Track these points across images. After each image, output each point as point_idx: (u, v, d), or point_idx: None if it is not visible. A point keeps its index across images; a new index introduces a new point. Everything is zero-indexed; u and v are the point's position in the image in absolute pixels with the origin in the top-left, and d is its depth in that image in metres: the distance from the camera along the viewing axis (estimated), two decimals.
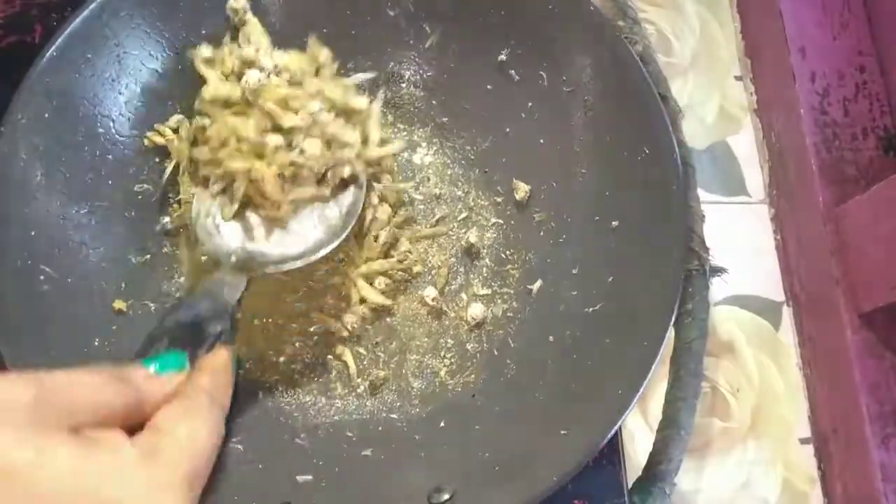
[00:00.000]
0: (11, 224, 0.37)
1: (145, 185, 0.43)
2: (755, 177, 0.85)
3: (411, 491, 0.36)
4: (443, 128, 0.49)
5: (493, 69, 0.46)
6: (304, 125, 0.37)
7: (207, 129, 0.39)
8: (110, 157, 0.41)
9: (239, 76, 0.39)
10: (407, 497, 0.37)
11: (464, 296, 0.46)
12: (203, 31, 0.42)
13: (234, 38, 0.41)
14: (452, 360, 0.44)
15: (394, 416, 0.43)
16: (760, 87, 0.86)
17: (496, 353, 0.44)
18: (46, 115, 0.38)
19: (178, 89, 0.43)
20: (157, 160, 0.44)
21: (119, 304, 0.40)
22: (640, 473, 0.43)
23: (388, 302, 0.45)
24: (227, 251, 0.38)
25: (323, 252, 0.39)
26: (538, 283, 0.45)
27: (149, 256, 0.43)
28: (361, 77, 0.42)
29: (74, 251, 0.39)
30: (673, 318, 0.37)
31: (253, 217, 0.39)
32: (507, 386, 0.42)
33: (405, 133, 0.49)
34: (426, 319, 0.46)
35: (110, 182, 0.41)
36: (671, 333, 0.38)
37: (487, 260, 0.47)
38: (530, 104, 0.46)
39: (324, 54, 0.40)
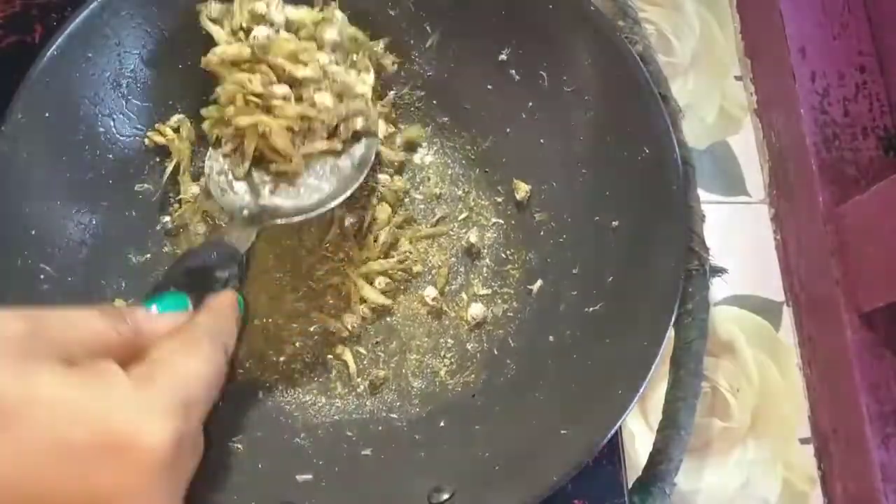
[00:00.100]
0: (11, 223, 0.37)
1: (146, 185, 0.43)
2: (755, 177, 0.85)
3: (411, 490, 0.36)
4: (443, 128, 0.49)
5: (493, 69, 0.46)
6: (315, 76, 0.37)
7: (216, 90, 0.38)
8: (111, 156, 0.41)
9: (247, 33, 0.39)
10: (407, 497, 0.37)
11: (464, 296, 0.46)
12: (203, 31, 0.42)
13: None
14: (452, 360, 0.44)
15: (394, 415, 0.43)
16: (760, 87, 0.86)
17: (496, 353, 0.44)
18: (47, 115, 0.38)
19: (179, 89, 0.43)
20: (158, 160, 0.44)
21: (119, 304, 0.40)
22: (640, 473, 0.43)
23: (388, 302, 0.45)
24: (239, 206, 0.38)
25: (335, 203, 0.39)
26: (538, 283, 0.45)
27: (149, 256, 0.43)
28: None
29: (74, 251, 0.39)
30: (673, 318, 0.37)
31: (265, 173, 0.39)
32: (507, 386, 0.42)
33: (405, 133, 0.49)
34: (426, 319, 0.46)
35: (110, 182, 0.41)
36: (671, 333, 0.38)
37: (488, 260, 0.47)
38: (530, 104, 0.46)
39: (337, 15, 0.40)
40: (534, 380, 0.41)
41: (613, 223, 0.42)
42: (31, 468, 0.22)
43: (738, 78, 0.88)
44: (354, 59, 0.41)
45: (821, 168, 0.76)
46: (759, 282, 0.81)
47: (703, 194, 0.47)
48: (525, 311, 0.45)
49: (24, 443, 0.22)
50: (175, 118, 0.43)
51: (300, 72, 0.37)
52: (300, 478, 0.38)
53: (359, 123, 0.40)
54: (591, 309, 0.41)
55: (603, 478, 0.42)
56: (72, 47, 0.39)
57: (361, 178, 0.40)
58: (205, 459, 0.37)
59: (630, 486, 0.42)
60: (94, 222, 0.40)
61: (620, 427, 0.37)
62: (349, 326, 0.44)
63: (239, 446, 0.39)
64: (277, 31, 0.38)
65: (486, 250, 0.47)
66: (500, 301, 0.46)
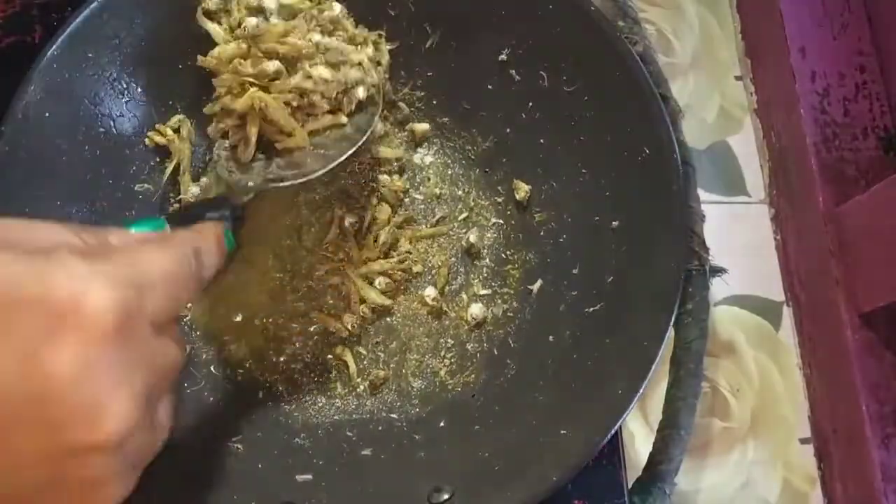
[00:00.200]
0: None
1: (146, 185, 0.43)
2: (755, 177, 0.85)
3: (411, 490, 0.36)
4: (443, 128, 0.49)
5: (493, 69, 0.46)
6: (306, 49, 0.37)
7: (216, 85, 0.38)
8: (111, 156, 0.41)
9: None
10: (407, 497, 0.37)
11: (464, 296, 0.46)
12: (203, 31, 0.42)
13: None
14: (452, 360, 0.44)
15: (394, 415, 0.43)
16: (760, 87, 0.86)
17: (496, 353, 0.44)
18: (47, 115, 0.38)
19: (179, 89, 0.43)
20: (158, 160, 0.44)
21: None
22: (640, 473, 0.42)
23: (388, 302, 0.45)
24: (245, 184, 0.38)
25: (335, 164, 0.39)
26: (538, 283, 0.44)
27: None
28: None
29: None
30: (673, 318, 0.37)
31: (272, 153, 0.38)
32: (507, 386, 0.42)
33: (406, 133, 0.49)
34: (426, 319, 0.46)
35: (111, 182, 0.41)
36: (671, 333, 0.38)
37: (488, 260, 0.47)
38: (530, 104, 0.46)
39: (335, 7, 0.40)
40: (534, 380, 0.41)
41: (613, 223, 0.42)
42: None
43: (738, 78, 0.88)
44: (353, 34, 0.41)
45: (821, 168, 0.76)
46: (759, 282, 0.81)
47: (703, 194, 0.47)
48: (525, 311, 0.45)
49: None
50: (175, 118, 0.43)
51: (291, 47, 0.37)
52: (300, 478, 0.38)
53: (360, 93, 0.39)
54: (591, 309, 0.41)
55: (603, 478, 0.42)
56: (72, 47, 0.39)
57: (362, 141, 0.39)
58: (205, 459, 0.37)
59: (630, 486, 0.42)
60: (94, 222, 0.40)
61: (620, 427, 0.37)
62: (349, 326, 0.44)
63: (239, 446, 0.39)
64: (268, 19, 0.38)
65: (486, 250, 0.47)
66: (500, 301, 0.46)
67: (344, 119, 0.39)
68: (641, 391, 0.35)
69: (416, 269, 0.46)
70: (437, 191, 0.48)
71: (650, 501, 0.41)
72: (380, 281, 0.45)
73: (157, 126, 0.43)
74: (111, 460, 0.22)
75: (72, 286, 0.22)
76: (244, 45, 0.38)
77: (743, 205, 0.84)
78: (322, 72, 0.38)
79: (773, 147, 0.83)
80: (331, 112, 0.39)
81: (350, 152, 0.39)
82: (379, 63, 0.41)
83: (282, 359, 0.44)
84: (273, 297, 0.45)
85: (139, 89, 0.42)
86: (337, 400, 0.43)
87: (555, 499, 0.34)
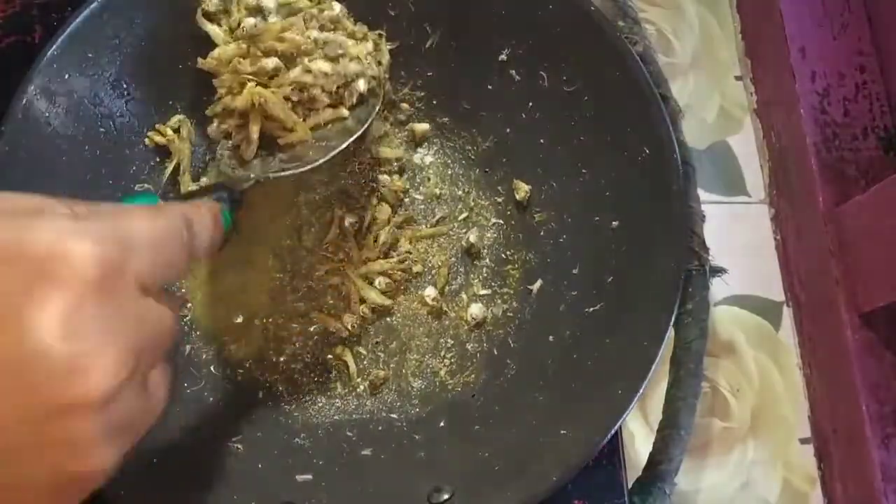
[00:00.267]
0: None
1: (146, 185, 0.43)
2: (755, 177, 0.85)
3: (411, 490, 0.36)
4: (443, 128, 0.49)
5: (493, 69, 0.46)
6: (304, 45, 0.37)
7: (216, 85, 0.38)
8: (111, 156, 0.41)
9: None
10: (407, 497, 0.37)
11: (464, 296, 0.46)
12: (203, 32, 0.42)
13: None
14: (452, 360, 0.44)
15: (394, 415, 0.43)
16: (760, 87, 0.86)
17: (496, 353, 0.44)
18: (47, 115, 0.38)
19: (179, 89, 0.43)
20: (158, 160, 0.44)
21: None
22: (640, 473, 0.42)
23: (388, 302, 0.45)
24: (247, 178, 0.37)
25: (335, 152, 0.38)
26: (538, 283, 0.45)
27: None
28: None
29: None
30: (673, 318, 0.37)
31: (275, 149, 0.38)
32: (507, 386, 0.42)
33: (406, 133, 0.49)
34: (426, 319, 0.46)
35: (111, 182, 0.41)
36: (671, 333, 0.38)
37: (487, 260, 0.47)
38: (530, 104, 0.46)
39: (335, 6, 0.40)
40: (534, 380, 0.41)
41: (613, 223, 0.42)
42: None
43: (738, 78, 0.88)
44: (354, 30, 0.41)
45: (821, 168, 0.76)
46: (759, 282, 0.81)
47: (703, 194, 0.47)
48: (525, 311, 0.45)
49: None
50: (175, 118, 0.43)
51: (287, 39, 0.37)
52: (300, 478, 0.38)
53: (361, 86, 0.39)
54: (591, 309, 0.41)
55: (603, 478, 0.42)
56: (72, 47, 0.39)
57: (362, 130, 0.39)
58: (205, 459, 0.37)
59: (630, 486, 0.42)
60: None
61: (620, 427, 0.37)
62: (349, 326, 0.44)
63: (239, 446, 0.39)
64: (266, 19, 0.38)
65: (486, 250, 0.47)
66: (500, 301, 0.46)
67: (345, 112, 0.39)
68: (641, 391, 0.35)
69: (416, 269, 0.46)
70: (437, 191, 0.48)
71: (650, 501, 0.41)
72: (380, 281, 0.45)
73: (157, 126, 0.43)
74: (96, 420, 0.21)
75: (53, 240, 0.21)
76: (244, 46, 0.38)
77: (743, 205, 0.84)
78: (321, 65, 0.38)
79: (773, 147, 0.83)
80: (332, 106, 0.39)
81: (350, 140, 0.39)
82: (380, 62, 0.41)
83: (282, 359, 0.44)
84: (273, 297, 0.45)
85: (139, 89, 0.42)
86: (337, 400, 0.43)
87: (555, 499, 0.34)
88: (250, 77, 0.37)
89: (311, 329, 0.44)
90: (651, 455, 0.42)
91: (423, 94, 0.48)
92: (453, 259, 0.47)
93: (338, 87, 0.39)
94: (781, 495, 0.73)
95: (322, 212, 0.46)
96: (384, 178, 0.46)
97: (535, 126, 0.46)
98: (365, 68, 0.39)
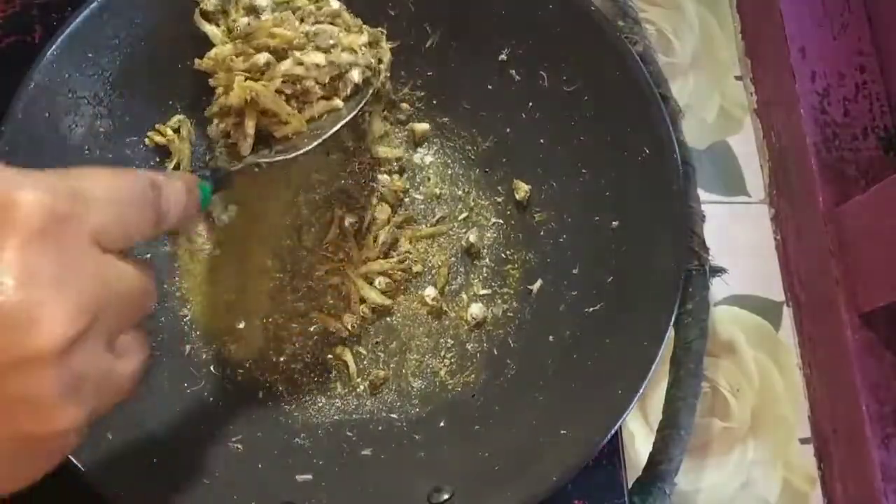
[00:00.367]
0: None
1: None
2: (755, 177, 0.85)
3: (411, 490, 0.36)
4: (443, 128, 0.49)
5: (493, 69, 0.46)
6: (297, 40, 0.37)
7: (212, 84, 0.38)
8: (111, 156, 0.41)
9: None
10: (407, 497, 0.37)
11: (464, 296, 0.46)
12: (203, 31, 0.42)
13: None
14: (452, 360, 0.44)
15: (394, 416, 0.43)
16: (760, 87, 0.86)
17: (496, 353, 0.44)
18: (47, 115, 0.38)
19: (179, 89, 0.43)
20: (158, 160, 0.44)
21: None
22: (640, 473, 0.42)
23: (388, 302, 0.45)
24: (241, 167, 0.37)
25: (327, 136, 0.38)
26: (538, 283, 0.44)
27: (148, 256, 0.43)
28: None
29: None
30: (673, 318, 0.37)
31: (272, 145, 0.38)
32: (507, 386, 0.42)
33: (406, 133, 0.49)
34: (426, 319, 0.46)
35: None
36: (671, 333, 0.38)
37: (487, 260, 0.47)
38: (530, 104, 0.46)
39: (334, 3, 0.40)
40: (534, 380, 0.41)
41: (613, 223, 0.42)
42: None
43: (738, 78, 0.88)
44: (351, 24, 0.41)
45: (821, 168, 0.76)
46: (759, 282, 0.81)
47: (703, 194, 0.47)
48: (525, 311, 0.45)
49: None
50: (175, 118, 0.43)
51: (278, 35, 0.37)
52: (300, 478, 0.38)
53: (356, 76, 0.39)
54: (591, 309, 0.41)
55: (603, 478, 0.42)
56: (72, 47, 0.39)
57: (353, 113, 0.39)
58: (205, 459, 0.37)
59: (630, 486, 0.42)
60: None
61: (620, 427, 0.37)
62: (349, 326, 0.44)
63: (239, 446, 0.39)
64: (259, 17, 0.38)
65: (486, 250, 0.47)
66: (500, 301, 0.46)
67: (339, 104, 0.39)
68: (641, 391, 0.35)
69: (416, 269, 0.46)
70: (437, 191, 0.48)
71: (650, 501, 0.41)
72: (380, 281, 0.45)
73: (157, 126, 0.43)
74: (53, 374, 0.21)
75: (1, 188, 0.21)
76: (240, 45, 0.38)
77: (743, 205, 0.84)
78: (314, 57, 0.38)
79: (773, 147, 0.83)
80: (326, 98, 0.39)
81: (342, 124, 0.39)
82: (380, 60, 0.41)
83: (282, 359, 0.44)
84: (273, 297, 0.45)
85: (139, 89, 0.42)
86: (337, 400, 0.43)
87: (555, 499, 0.34)
88: (243, 73, 0.37)
89: (311, 329, 0.44)
90: (651, 455, 0.42)
91: (423, 94, 0.48)
92: (453, 259, 0.47)
93: (332, 79, 0.39)
94: (781, 495, 0.73)
95: (322, 212, 0.46)
96: (384, 178, 0.46)
97: (535, 126, 0.46)
98: (358, 58, 0.39)
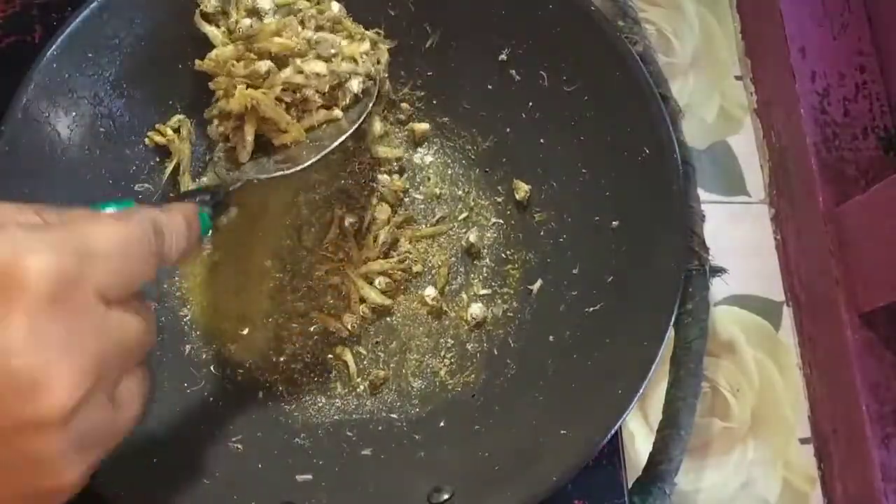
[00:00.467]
0: None
1: (146, 185, 0.43)
2: (755, 177, 0.85)
3: (411, 491, 0.36)
4: (443, 128, 0.49)
5: (493, 69, 0.46)
6: (298, 47, 0.37)
7: (212, 87, 0.38)
8: (110, 156, 0.41)
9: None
10: (407, 497, 0.37)
11: (464, 296, 0.46)
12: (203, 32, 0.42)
13: None
14: (452, 360, 0.44)
15: (394, 415, 0.43)
16: (760, 87, 0.86)
17: (496, 353, 0.44)
18: (47, 115, 0.38)
19: (179, 89, 0.43)
20: (158, 160, 0.44)
21: None
22: (640, 473, 0.42)
23: (388, 302, 0.45)
24: (239, 180, 0.37)
25: (326, 151, 0.38)
26: (538, 283, 0.44)
27: None
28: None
29: None
30: (673, 318, 0.37)
31: (270, 151, 0.38)
32: (507, 386, 0.42)
33: (406, 133, 0.49)
34: (426, 319, 0.46)
35: (110, 182, 0.41)
36: (671, 333, 0.38)
37: (487, 260, 0.47)
38: (530, 104, 0.46)
39: (333, 6, 0.40)
40: (534, 380, 0.41)
41: (613, 223, 0.42)
42: None
43: (738, 78, 0.88)
44: (353, 31, 0.41)
45: (821, 168, 0.76)
46: (759, 282, 0.81)
47: (703, 194, 0.47)
48: (525, 311, 0.45)
49: None
50: (175, 118, 0.43)
51: (282, 45, 0.37)
52: (300, 478, 0.38)
53: (355, 86, 0.39)
54: (591, 309, 0.41)
55: (603, 478, 0.42)
56: (72, 47, 0.39)
57: (353, 129, 0.39)
58: (205, 459, 0.37)
59: (630, 486, 0.42)
60: None
61: (620, 427, 0.37)
62: (349, 326, 0.44)
63: (239, 446, 0.39)
64: (262, 19, 0.38)
65: (486, 250, 0.47)
66: (500, 301, 0.46)
67: (339, 113, 0.39)
68: (641, 391, 0.35)
69: (416, 268, 0.46)
70: (437, 191, 0.48)
71: (650, 501, 0.41)
72: (380, 281, 0.45)
73: (157, 126, 0.43)
74: (60, 437, 0.21)
75: (8, 254, 0.21)
76: (241, 47, 0.38)
77: (743, 205, 0.84)
78: (314, 66, 0.38)
79: (773, 147, 0.83)
80: (325, 107, 0.39)
81: (340, 140, 0.39)
82: (378, 61, 0.41)
83: (282, 359, 0.44)
84: (273, 297, 0.45)
85: (139, 89, 0.42)
86: (337, 400, 0.43)
87: (555, 499, 0.34)
88: (244, 80, 0.37)
89: (311, 329, 0.44)
90: (651, 455, 0.42)
91: (423, 94, 0.48)
92: (453, 259, 0.47)
93: (331, 88, 0.39)
94: (781, 495, 0.74)
95: (322, 212, 0.46)
96: (384, 177, 0.46)
97: (535, 126, 0.46)
98: (358, 68, 0.39)
